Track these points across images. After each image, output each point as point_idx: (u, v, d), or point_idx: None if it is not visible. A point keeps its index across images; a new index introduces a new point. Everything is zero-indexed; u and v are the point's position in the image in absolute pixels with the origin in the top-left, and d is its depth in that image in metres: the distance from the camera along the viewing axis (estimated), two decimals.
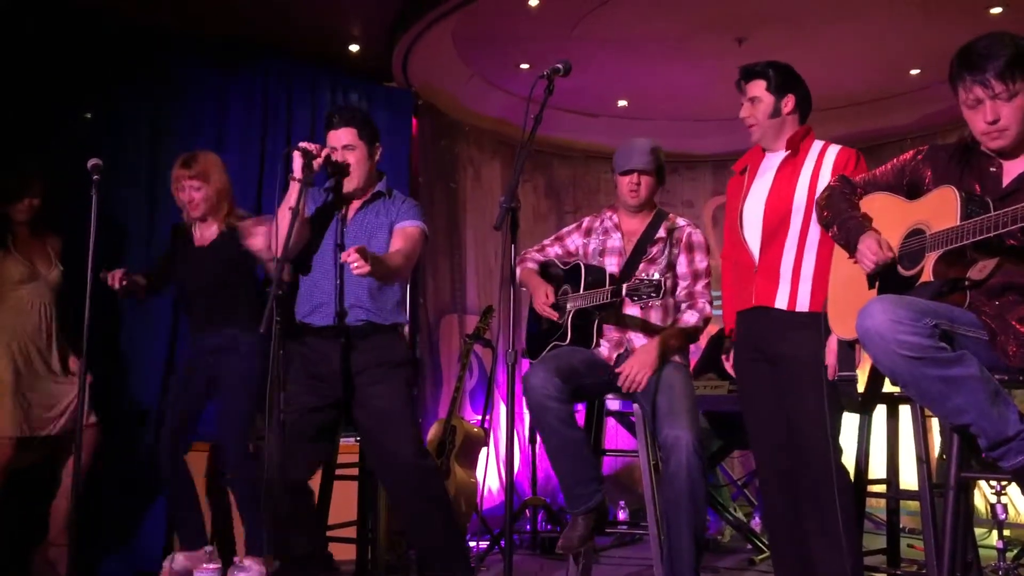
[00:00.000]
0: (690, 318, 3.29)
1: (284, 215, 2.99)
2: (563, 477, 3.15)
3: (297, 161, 3.02)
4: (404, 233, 3.23)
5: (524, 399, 3.11)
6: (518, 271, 3.47)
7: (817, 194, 2.80)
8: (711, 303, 3.34)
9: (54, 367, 3.80)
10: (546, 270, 3.52)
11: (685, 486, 2.96)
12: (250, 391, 3.58)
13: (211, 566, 3.11)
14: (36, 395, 3.72)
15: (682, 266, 3.34)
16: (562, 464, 3.12)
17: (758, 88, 2.98)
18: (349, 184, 3.22)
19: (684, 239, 3.35)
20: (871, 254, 2.44)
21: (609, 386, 3.33)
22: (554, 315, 3.28)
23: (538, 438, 5.14)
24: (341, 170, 3.19)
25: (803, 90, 3.00)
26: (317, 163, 3.05)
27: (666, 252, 3.33)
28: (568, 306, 3.31)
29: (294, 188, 3.03)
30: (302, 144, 3.05)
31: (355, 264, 2.82)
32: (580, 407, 3.41)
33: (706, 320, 3.32)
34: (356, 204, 3.29)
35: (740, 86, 3.04)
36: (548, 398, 3.03)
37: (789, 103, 2.97)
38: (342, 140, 3.20)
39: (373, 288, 3.18)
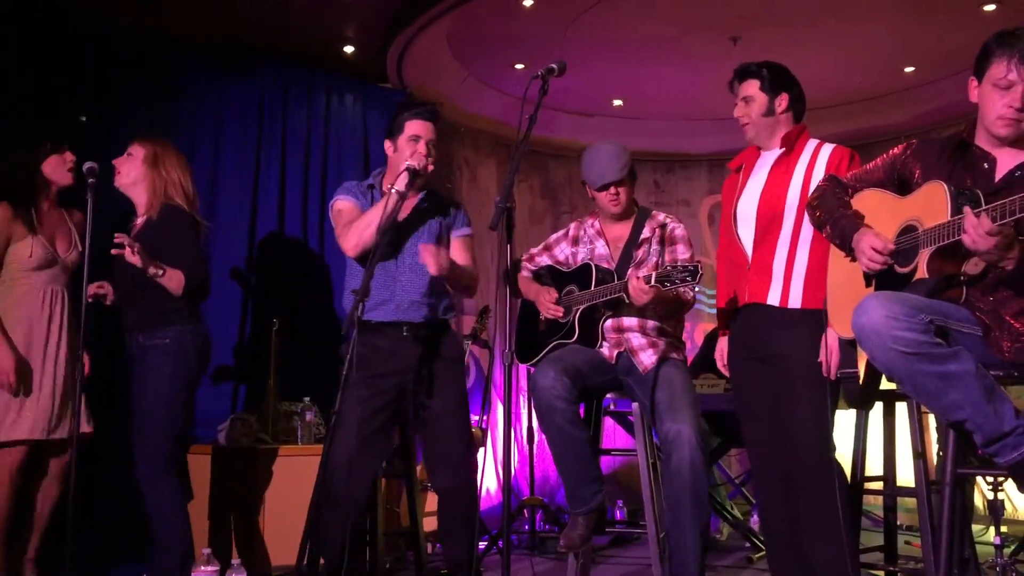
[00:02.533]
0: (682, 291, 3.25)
1: (376, 220, 3.03)
2: (567, 477, 3.15)
3: (404, 178, 3.05)
4: (465, 245, 3.37)
5: (532, 399, 3.11)
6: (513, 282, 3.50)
7: (810, 192, 2.81)
8: (693, 291, 3.31)
9: (63, 365, 3.54)
10: (538, 280, 3.52)
11: (688, 481, 2.97)
12: (160, 397, 3.34)
13: (209, 568, 3.11)
14: (45, 395, 3.49)
15: (659, 257, 3.33)
16: (567, 464, 3.13)
17: (752, 87, 2.99)
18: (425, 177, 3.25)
19: (667, 235, 3.35)
20: (872, 252, 2.43)
21: (610, 386, 3.34)
22: (559, 312, 3.28)
23: (536, 438, 5.19)
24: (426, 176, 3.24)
25: (797, 89, 3.02)
26: (418, 183, 3.17)
27: (651, 252, 3.33)
28: (575, 306, 3.30)
29: (395, 198, 3.02)
30: (410, 162, 3.09)
31: (434, 266, 3.02)
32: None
33: (689, 301, 3.28)
34: (409, 205, 3.28)
35: (733, 86, 3.05)
36: (557, 398, 3.04)
37: (783, 102, 2.98)
38: (429, 134, 3.24)
39: (432, 284, 3.23)
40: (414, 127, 3.22)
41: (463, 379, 3.34)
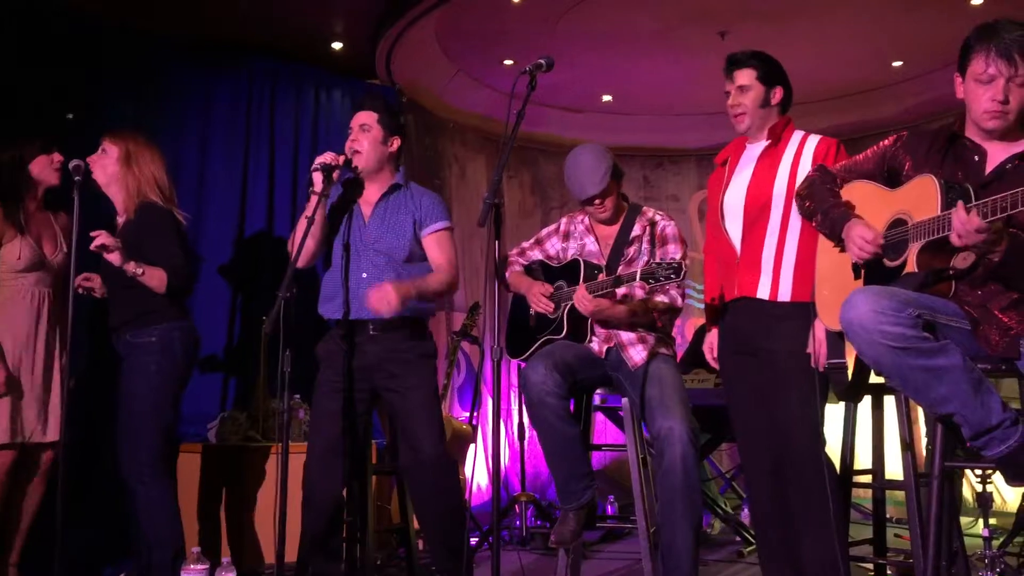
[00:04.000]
0: (659, 299, 3.25)
1: (303, 224, 3.09)
2: (558, 473, 3.15)
3: (317, 178, 3.12)
4: (438, 240, 3.34)
5: (522, 395, 3.11)
6: (504, 275, 3.50)
7: (797, 184, 2.80)
8: (683, 295, 3.31)
9: (48, 366, 3.49)
10: (530, 274, 3.51)
11: (681, 479, 2.96)
12: (148, 395, 3.32)
13: (199, 567, 3.10)
14: (28, 398, 3.43)
15: (650, 255, 3.32)
16: (557, 460, 3.13)
17: (748, 76, 2.95)
18: (360, 164, 3.29)
19: (658, 234, 3.34)
20: (862, 242, 2.43)
21: (600, 381, 3.34)
22: (550, 307, 3.28)
23: (527, 434, 5.19)
24: (355, 168, 3.31)
25: (788, 84, 3.01)
26: (336, 174, 3.18)
27: (643, 251, 3.32)
28: (564, 301, 3.30)
29: (313, 200, 3.12)
30: (319, 159, 3.15)
31: (386, 310, 3.07)
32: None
33: (675, 308, 3.27)
34: (374, 198, 3.35)
35: (728, 74, 2.99)
36: (547, 394, 3.03)
37: (778, 94, 2.96)
38: (361, 120, 3.33)
39: (391, 282, 3.23)
40: (352, 121, 3.35)
41: (432, 376, 3.34)
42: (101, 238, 3.20)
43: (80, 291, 3.37)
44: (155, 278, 3.30)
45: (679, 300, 3.26)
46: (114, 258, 3.22)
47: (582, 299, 3.06)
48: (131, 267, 3.25)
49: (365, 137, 3.30)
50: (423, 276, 3.28)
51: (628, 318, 3.19)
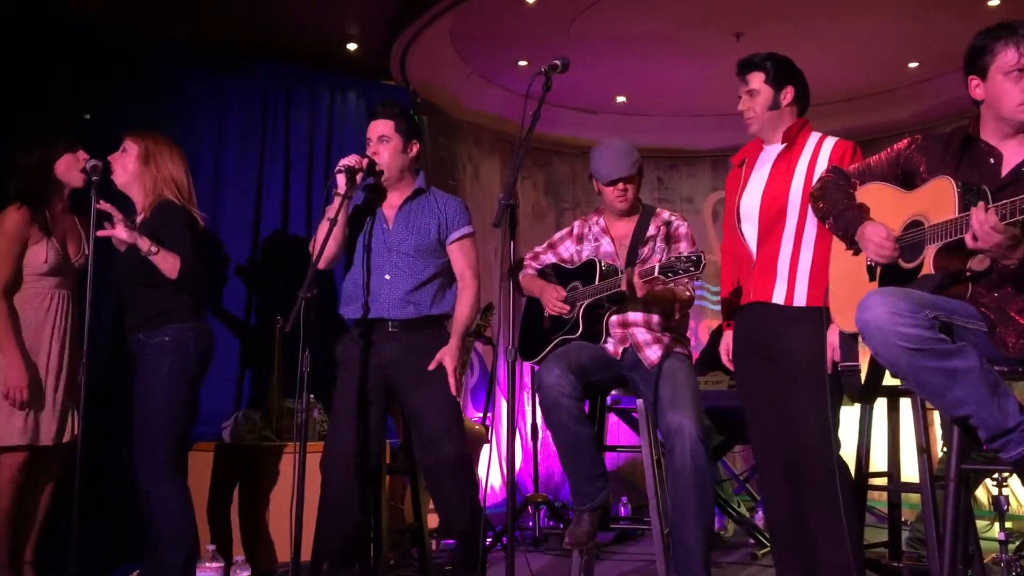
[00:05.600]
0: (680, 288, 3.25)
1: (325, 226, 3.11)
2: (572, 474, 3.16)
3: (341, 180, 3.13)
4: (461, 248, 3.40)
5: (537, 396, 3.11)
6: (517, 279, 3.51)
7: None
8: (692, 290, 3.31)
9: (64, 370, 3.52)
10: (543, 278, 3.51)
11: (691, 475, 2.96)
12: (161, 395, 3.31)
13: (214, 565, 3.12)
14: (45, 400, 3.44)
15: (664, 254, 3.31)
16: (572, 461, 3.13)
17: (756, 80, 2.97)
18: (383, 176, 3.33)
19: (672, 232, 3.34)
20: (880, 239, 2.43)
21: (615, 382, 3.34)
22: (565, 308, 3.28)
23: (540, 434, 5.19)
24: (379, 173, 3.33)
25: (802, 82, 3.00)
26: (360, 177, 3.19)
27: (656, 250, 3.32)
28: (579, 301, 3.30)
29: (336, 201, 3.12)
30: (343, 162, 3.17)
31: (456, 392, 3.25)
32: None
33: (687, 299, 3.27)
34: (397, 202, 3.37)
35: (740, 78, 3.02)
36: (562, 395, 3.04)
37: (788, 95, 2.96)
38: (378, 131, 3.33)
39: (414, 284, 3.29)
40: (368, 130, 3.36)
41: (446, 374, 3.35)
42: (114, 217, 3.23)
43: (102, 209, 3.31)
44: (167, 261, 3.27)
45: (687, 293, 3.28)
46: (122, 234, 3.23)
47: (633, 282, 3.00)
48: (145, 244, 3.23)
49: (385, 148, 3.31)
50: (455, 324, 3.35)
51: (672, 299, 3.21)
